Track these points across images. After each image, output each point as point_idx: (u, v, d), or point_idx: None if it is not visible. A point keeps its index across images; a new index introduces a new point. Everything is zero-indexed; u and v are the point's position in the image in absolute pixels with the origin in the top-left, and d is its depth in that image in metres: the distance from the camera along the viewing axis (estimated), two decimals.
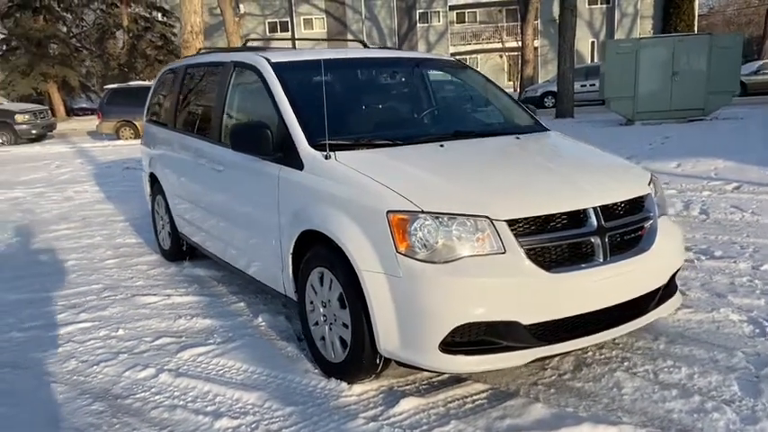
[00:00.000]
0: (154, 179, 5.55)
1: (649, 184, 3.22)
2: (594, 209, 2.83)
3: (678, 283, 4.09)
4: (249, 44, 4.85)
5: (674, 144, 10.51)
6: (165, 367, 3.37)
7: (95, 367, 3.42)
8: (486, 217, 2.66)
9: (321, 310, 3.16)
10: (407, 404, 2.83)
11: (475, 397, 2.91)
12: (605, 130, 13.43)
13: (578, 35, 37.31)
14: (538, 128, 4.02)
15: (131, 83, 22.62)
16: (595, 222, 2.81)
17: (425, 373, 3.05)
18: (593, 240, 2.80)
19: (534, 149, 3.57)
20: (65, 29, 34.82)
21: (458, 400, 2.88)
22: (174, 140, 5.03)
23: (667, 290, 3.15)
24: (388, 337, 2.75)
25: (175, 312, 4.18)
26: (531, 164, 3.26)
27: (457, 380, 3.04)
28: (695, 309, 3.77)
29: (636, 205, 3.05)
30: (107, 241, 6.32)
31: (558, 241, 2.74)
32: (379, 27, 41.78)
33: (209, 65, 4.64)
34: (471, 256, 2.64)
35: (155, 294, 4.56)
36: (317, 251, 3.12)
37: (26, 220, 7.53)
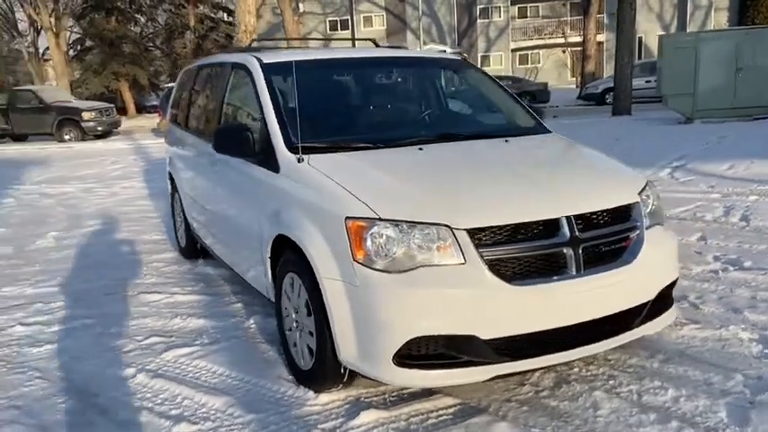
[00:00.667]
0: (172, 178, 5.65)
1: (641, 193, 3.00)
2: (568, 218, 2.64)
3: (692, 296, 3.88)
4: (256, 44, 4.85)
5: (731, 144, 9.93)
6: (146, 368, 3.39)
7: (81, 364, 3.48)
8: (447, 225, 2.53)
9: (293, 315, 3.11)
10: (368, 417, 2.75)
11: (441, 412, 2.79)
12: (660, 129, 12.83)
13: (647, 28, 36.12)
14: (537, 129, 3.81)
15: None
16: (568, 233, 2.63)
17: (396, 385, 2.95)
18: (565, 252, 2.62)
19: (519, 153, 3.38)
20: (138, 29, 36.25)
21: (422, 414, 2.77)
22: (183, 140, 5.10)
23: (658, 305, 2.92)
24: (346, 348, 2.67)
25: (174, 311, 4.22)
26: (508, 169, 3.06)
27: (427, 393, 2.92)
28: (703, 325, 3.50)
29: (619, 215, 2.84)
30: (135, 237, 6.48)
31: (525, 252, 2.58)
32: (439, 24, 41.44)
33: (215, 65, 4.67)
34: (430, 266, 2.53)
35: (160, 292, 4.62)
36: (288, 256, 3.06)
37: (66, 214, 7.83)
